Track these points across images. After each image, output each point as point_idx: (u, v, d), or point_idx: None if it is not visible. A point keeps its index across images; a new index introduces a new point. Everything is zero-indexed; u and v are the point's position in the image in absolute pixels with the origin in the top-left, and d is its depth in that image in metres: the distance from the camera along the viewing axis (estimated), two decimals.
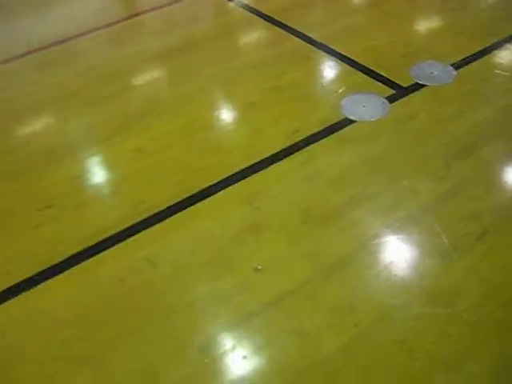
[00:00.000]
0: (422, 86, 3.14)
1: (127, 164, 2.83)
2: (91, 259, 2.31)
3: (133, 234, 2.41)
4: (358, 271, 2.17)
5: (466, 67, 3.27)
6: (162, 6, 4.38)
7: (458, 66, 3.28)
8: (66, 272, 2.27)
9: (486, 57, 3.35)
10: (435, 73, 3.23)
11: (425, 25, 3.99)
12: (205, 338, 1.99)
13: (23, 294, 2.20)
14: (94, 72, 3.62)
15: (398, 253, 2.25)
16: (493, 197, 2.44)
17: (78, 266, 2.29)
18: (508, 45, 3.44)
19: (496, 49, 3.42)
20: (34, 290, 2.21)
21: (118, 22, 4.23)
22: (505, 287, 2.06)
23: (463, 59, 3.33)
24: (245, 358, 1.92)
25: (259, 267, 2.20)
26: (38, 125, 3.30)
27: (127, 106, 3.24)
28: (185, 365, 1.91)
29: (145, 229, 2.43)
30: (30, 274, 2.27)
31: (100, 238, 2.39)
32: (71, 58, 3.84)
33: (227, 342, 1.96)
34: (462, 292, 2.05)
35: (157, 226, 2.43)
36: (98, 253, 2.34)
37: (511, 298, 2.03)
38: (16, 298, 2.19)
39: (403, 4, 4.15)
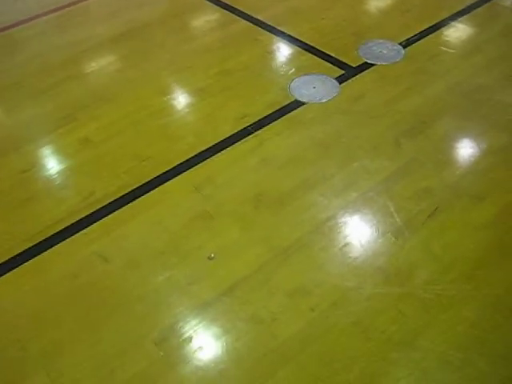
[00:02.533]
0: (371, 65, 3.14)
1: (75, 155, 2.75)
2: (41, 255, 2.26)
3: (83, 228, 2.36)
4: (313, 254, 2.17)
5: (413, 45, 3.29)
6: None
7: (405, 44, 3.30)
8: (17, 270, 2.22)
9: (433, 35, 3.38)
10: (384, 52, 3.24)
11: (373, 4, 3.98)
12: (160, 330, 1.96)
13: None
14: (37, 61, 3.51)
15: (351, 234, 2.25)
16: (443, 174, 2.46)
17: (28, 263, 2.24)
18: (454, 22, 3.47)
19: (442, 26, 3.45)
20: None
21: (62, 7, 4.10)
22: (457, 263, 2.09)
23: (411, 37, 3.35)
24: (201, 348, 1.90)
25: (212, 255, 2.18)
26: None
27: (72, 96, 3.16)
28: (140, 359, 1.88)
29: (95, 222, 2.38)
30: None
31: (50, 233, 2.34)
32: (12, 46, 3.71)
33: (183, 333, 1.94)
34: (415, 270, 2.07)
35: (107, 218, 2.39)
36: (48, 248, 2.29)
37: (464, 273, 2.05)
38: None
39: None
